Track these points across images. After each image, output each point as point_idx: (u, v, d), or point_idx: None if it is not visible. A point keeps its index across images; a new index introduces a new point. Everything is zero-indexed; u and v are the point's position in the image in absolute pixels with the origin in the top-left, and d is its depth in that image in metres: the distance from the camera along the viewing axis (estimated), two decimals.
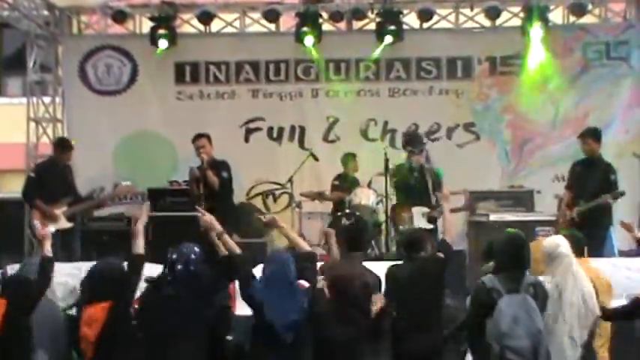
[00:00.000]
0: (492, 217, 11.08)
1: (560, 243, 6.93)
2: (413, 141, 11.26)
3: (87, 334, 6.80)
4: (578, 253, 7.19)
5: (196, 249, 7.01)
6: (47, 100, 13.49)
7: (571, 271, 6.82)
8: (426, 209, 10.63)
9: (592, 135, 11.03)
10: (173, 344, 6.76)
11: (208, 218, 7.17)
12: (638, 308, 7.07)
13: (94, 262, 7.39)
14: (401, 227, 10.60)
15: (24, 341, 7.06)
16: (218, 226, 7.10)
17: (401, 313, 7.51)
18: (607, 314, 7.08)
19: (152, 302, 6.94)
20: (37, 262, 7.54)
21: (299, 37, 13.00)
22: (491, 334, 6.29)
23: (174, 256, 6.99)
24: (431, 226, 10.37)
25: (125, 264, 7.16)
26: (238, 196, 11.88)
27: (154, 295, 6.96)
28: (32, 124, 13.36)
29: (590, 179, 10.81)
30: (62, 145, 11.59)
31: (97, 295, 6.90)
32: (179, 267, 6.89)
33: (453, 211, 10.61)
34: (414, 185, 10.86)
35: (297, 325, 6.87)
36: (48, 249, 7.18)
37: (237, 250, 7.05)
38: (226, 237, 7.11)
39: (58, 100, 13.51)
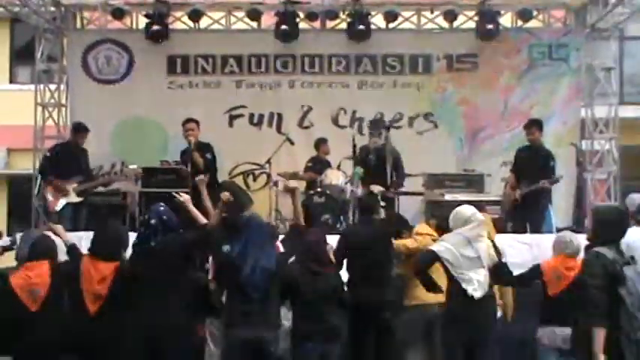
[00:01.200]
0: (447, 197, 10.87)
1: (476, 211, 7.28)
2: (373, 125, 11.46)
3: (97, 290, 6.92)
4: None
5: (164, 205, 7.14)
6: (53, 87, 13.47)
7: (481, 229, 7.20)
8: (381, 188, 10.69)
9: (537, 125, 11.23)
10: (160, 291, 6.83)
11: (184, 198, 7.32)
12: (535, 276, 7.47)
13: (99, 225, 7.56)
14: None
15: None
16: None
17: (358, 267, 7.81)
18: (509, 280, 7.51)
19: (139, 257, 7.05)
20: (35, 237, 7.67)
21: (278, 34, 13.06)
22: (633, 305, 5.79)
23: (146, 216, 7.13)
24: (383, 204, 10.38)
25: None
26: (221, 175, 11.84)
27: (139, 251, 7.07)
28: (39, 109, 13.35)
29: (532, 165, 10.99)
30: (76, 129, 11.76)
31: (101, 252, 7.04)
32: (153, 221, 6.98)
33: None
34: (373, 164, 10.95)
35: (270, 277, 7.04)
36: (68, 239, 7.30)
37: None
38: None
39: (62, 87, 13.48)
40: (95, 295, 6.93)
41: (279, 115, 13.40)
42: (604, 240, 6.05)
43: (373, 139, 11.07)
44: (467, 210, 7.30)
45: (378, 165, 10.93)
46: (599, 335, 5.80)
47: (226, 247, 7.28)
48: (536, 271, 7.50)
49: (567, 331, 6.77)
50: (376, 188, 10.69)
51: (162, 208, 7.08)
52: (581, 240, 6.95)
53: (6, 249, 9.59)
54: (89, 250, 7.18)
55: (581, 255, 6.87)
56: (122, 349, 6.85)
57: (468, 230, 7.13)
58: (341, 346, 7.33)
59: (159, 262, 6.90)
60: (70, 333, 6.93)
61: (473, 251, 7.04)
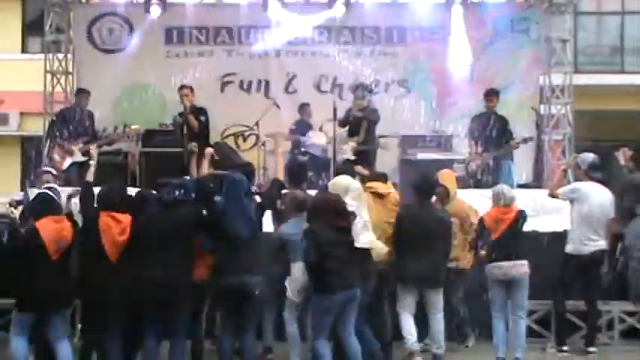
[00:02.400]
0: (419, 156, 11.25)
1: (351, 180, 7.47)
2: (356, 89, 11.69)
3: (118, 240, 7.09)
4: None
5: (189, 185, 7.46)
6: (61, 56, 13.45)
7: (363, 197, 7.41)
8: (354, 144, 11.02)
9: (496, 94, 11.63)
10: (168, 245, 7.08)
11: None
12: (482, 226, 8.26)
13: (107, 182, 7.73)
14: (339, 156, 10.88)
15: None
16: None
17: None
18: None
19: (153, 213, 7.30)
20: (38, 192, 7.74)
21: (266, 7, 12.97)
22: None
23: (174, 184, 7.37)
24: (353, 157, 10.63)
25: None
26: (214, 137, 12.09)
27: (154, 208, 7.32)
28: (49, 76, 13.36)
29: (493, 130, 11.47)
30: (78, 92, 12.01)
31: (115, 206, 7.21)
32: (176, 193, 7.27)
33: None
34: (352, 123, 11.26)
35: (254, 225, 7.28)
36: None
37: None
38: None
39: (69, 56, 13.49)
40: (117, 245, 7.09)
41: (267, 82, 13.42)
42: None
43: (358, 101, 11.29)
44: (345, 179, 7.37)
45: (355, 124, 11.20)
46: None
47: (218, 198, 7.43)
48: (481, 222, 8.29)
49: (506, 266, 8.02)
50: (352, 143, 11.01)
51: (189, 185, 7.42)
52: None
53: (20, 203, 9.78)
54: (102, 206, 7.30)
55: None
56: (136, 292, 7.04)
57: (351, 199, 7.15)
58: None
59: (173, 226, 7.15)
60: (90, 280, 7.12)
61: (359, 219, 7.12)
